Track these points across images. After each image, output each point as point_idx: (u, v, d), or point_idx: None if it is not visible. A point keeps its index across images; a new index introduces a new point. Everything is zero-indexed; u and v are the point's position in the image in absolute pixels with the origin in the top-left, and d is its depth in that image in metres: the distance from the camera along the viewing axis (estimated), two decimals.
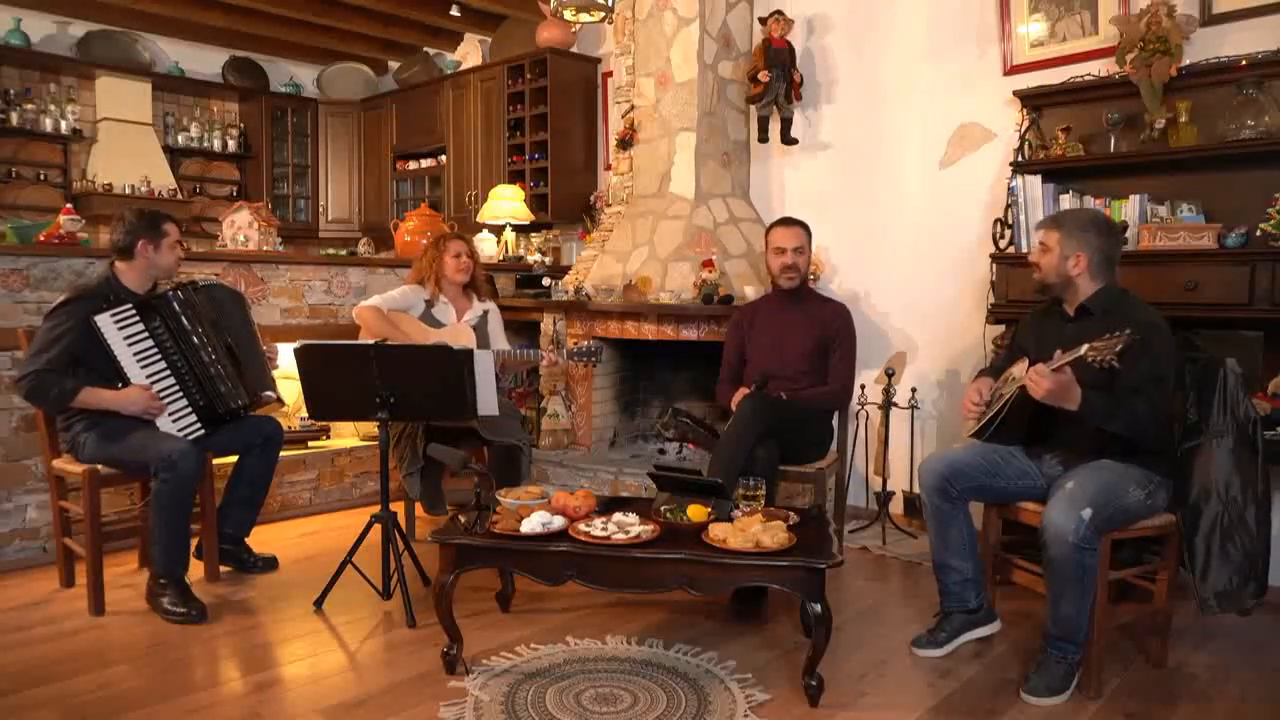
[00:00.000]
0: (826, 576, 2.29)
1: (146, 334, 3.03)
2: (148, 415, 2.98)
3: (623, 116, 4.91)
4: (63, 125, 6.24)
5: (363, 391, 2.87)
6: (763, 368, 3.35)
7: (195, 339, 3.10)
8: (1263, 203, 2.99)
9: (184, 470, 2.86)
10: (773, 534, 2.33)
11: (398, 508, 3.29)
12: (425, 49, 7.14)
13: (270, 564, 3.42)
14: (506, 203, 5.57)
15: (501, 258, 5.56)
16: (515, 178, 5.95)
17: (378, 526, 2.98)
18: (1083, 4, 3.62)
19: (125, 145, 6.41)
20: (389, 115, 7.12)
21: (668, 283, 4.39)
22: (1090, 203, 3.36)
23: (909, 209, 4.14)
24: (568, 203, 5.80)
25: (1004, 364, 2.78)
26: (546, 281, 5.09)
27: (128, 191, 6.18)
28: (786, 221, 3.53)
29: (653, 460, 4.21)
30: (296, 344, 2.89)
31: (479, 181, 6.24)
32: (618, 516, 2.48)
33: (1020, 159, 3.59)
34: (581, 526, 2.45)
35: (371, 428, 4.43)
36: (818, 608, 2.25)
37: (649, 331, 4.39)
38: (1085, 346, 2.22)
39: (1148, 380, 2.36)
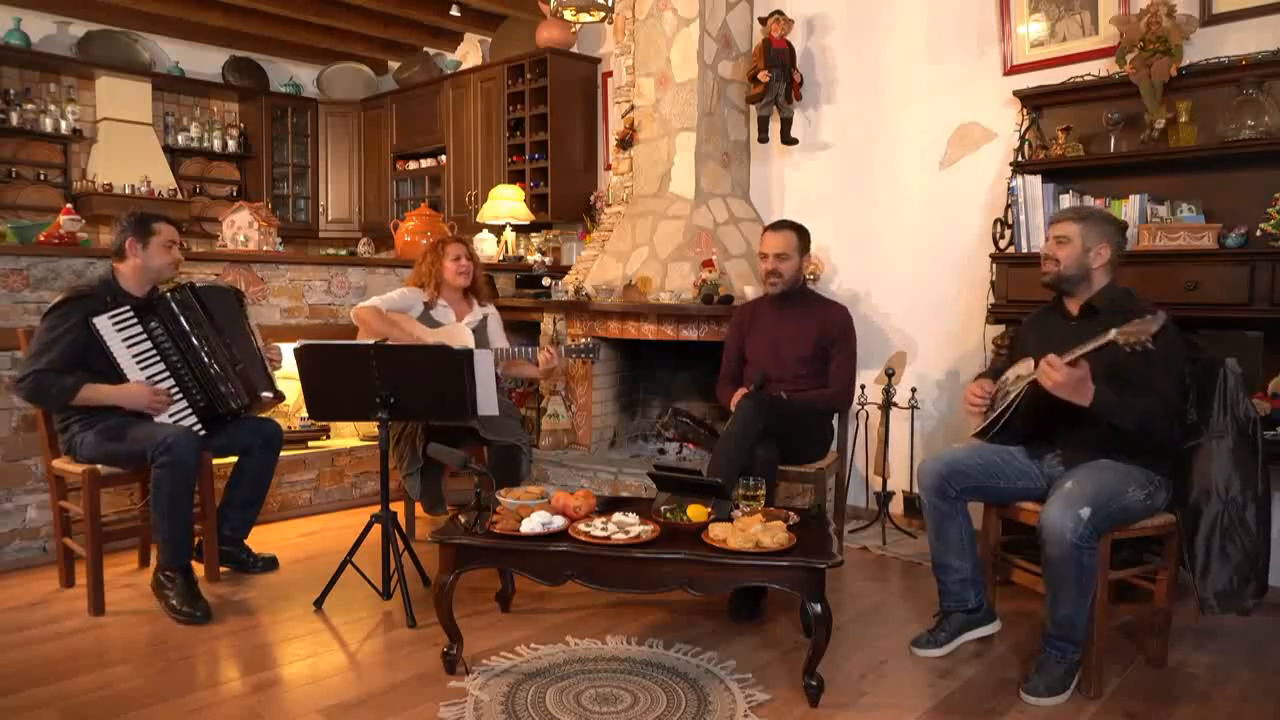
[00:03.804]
0: (826, 576, 2.29)
1: (145, 336, 3.03)
2: (150, 411, 2.98)
3: (623, 116, 4.91)
4: (63, 125, 6.25)
5: (363, 391, 2.87)
6: (761, 368, 3.34)
7: (194, 340, 3.10)
8: (1263, 203, 2.99)
9: (180, 453, 2.85)
10: (773, 534, 2.33)
11: (398, 508, 3.29)
12: (425, 49, 7.15)
13: (270, 564, 3.41)
14: (506, 203, 5.58)
15: (501, 258, 5.57)
16: (515, 178, 5.95)
17: (378, 526, 2.98)
18: (1083, 4, 3.62)
19: (125, 145, 6.41)
20: (389, 115, 7.13)
21: (668, 283, 4.39)
22: (1090, 203, 3.35)
23: (909, 209, 4.14)
24: (568, 203, 5.80)
25: (1003, 366, 2.78)
26: (546, 281, 5.09)
27: (128, 191, 6.18)
28: (775, 226, 3.46)
29: (653, 460, 4.21)
30: (296, 344, 2.89)
31: (479, 181, 6.24)
32: (618, 516, 2.48)
33: (1020, 159, 3.59)
34: (581, 526, 2.45)
35: (371, 428, 4.43)
36: (818, 608, 2.25)
37: (649, 331, 4.39)
38: (1114, 331, 2.19)
39: (1160, 376, 2.35)
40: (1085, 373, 2.31)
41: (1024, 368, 2.54)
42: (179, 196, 6.59)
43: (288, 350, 3.05)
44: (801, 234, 3.44)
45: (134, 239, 3.03)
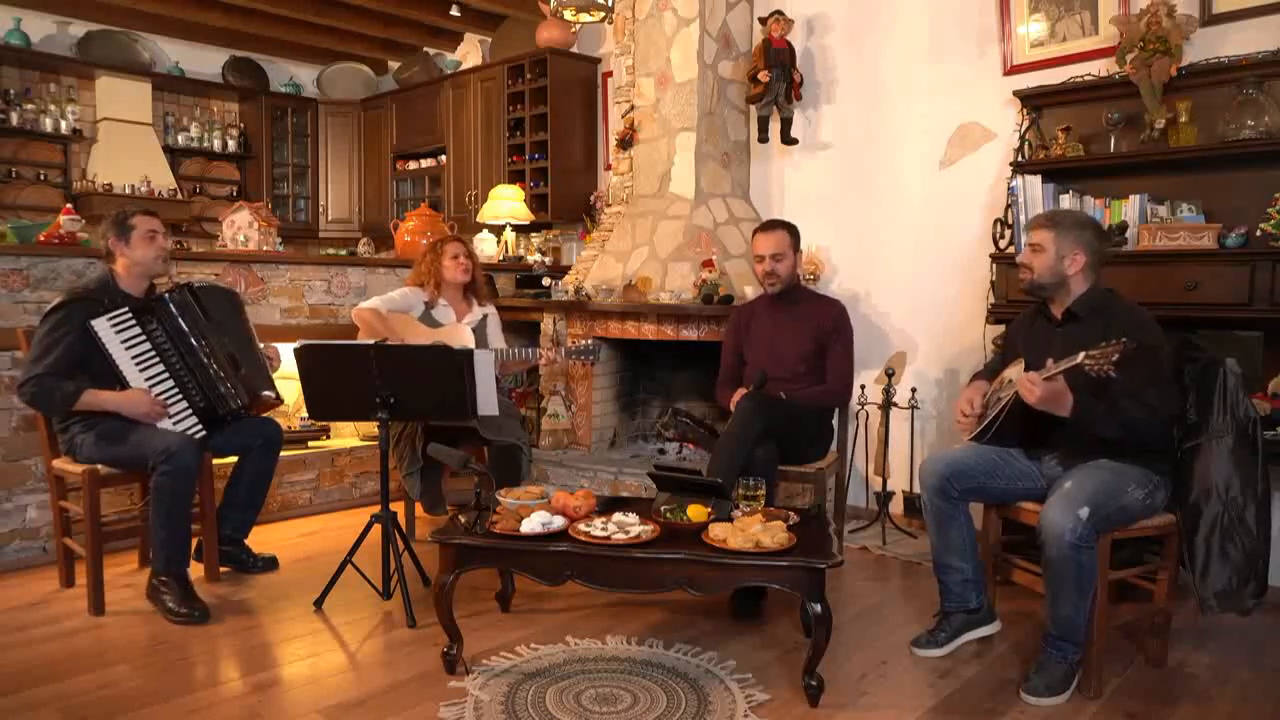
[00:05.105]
0: (826, 576, 2.29)
1: (144, 337, 3.03)
2: (150, 420, 2.98)
3: (623, 116, 4.91)
4: (63, 125, 6.24)
5: (363, 391, 2.87)
6: (761, 368, 3.34)
7: (193, 340, 3.09)
8: (1263, 203, 2.99)
9: (182, 461, 2.85)
10: (773, 534, 2.33)
11: (398, 508, 3.29)
12: (425, 49, 7.15)
13: (270, 564, 3.41)
14: (506, 203, 5.57)
15: (501, 258, 5.56)
16: (515, 178, 5.95)
17: (378, 526, 2.98)
18: (1083, 4, 3.62)
19: (125, 145, 6.41)
20: (389, 115, 7.12)
21: (668, 283, 4.39)
22: (1090, 203, 3.35)
23: (909, 209, 4.14)
24: (568, 203, 5.80)
25: (998, 366, 2.78)
26: (546, 281, 5.09)
27: (128, 191, 6.18)
28: (766, 226, 3.46)
29: (653, 460, 4.21)
30: (296, 344, 2.89)
31: (479, 181, 6.24)
32: (618, 516, 2.48)
33: (1020, 159, 3.59)
34: (581, 526, 2.45)
35: (371, 428, 4.43)
36: (818, 608, 2.25)
37: (649, 331, 4.39)
38: (1082, 355, 2.21)
39: (1143, 382, 2.35)
40: (1062, 386, 2.33)
41: (1016, 370, 2.55)
42: (179, 196, 6.59)
43: (287, 350, 3.05)
44: (793, 232, 3.44)
45: (115, 237, 3.05)
